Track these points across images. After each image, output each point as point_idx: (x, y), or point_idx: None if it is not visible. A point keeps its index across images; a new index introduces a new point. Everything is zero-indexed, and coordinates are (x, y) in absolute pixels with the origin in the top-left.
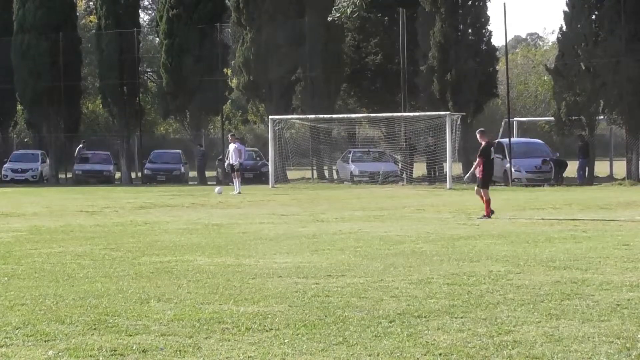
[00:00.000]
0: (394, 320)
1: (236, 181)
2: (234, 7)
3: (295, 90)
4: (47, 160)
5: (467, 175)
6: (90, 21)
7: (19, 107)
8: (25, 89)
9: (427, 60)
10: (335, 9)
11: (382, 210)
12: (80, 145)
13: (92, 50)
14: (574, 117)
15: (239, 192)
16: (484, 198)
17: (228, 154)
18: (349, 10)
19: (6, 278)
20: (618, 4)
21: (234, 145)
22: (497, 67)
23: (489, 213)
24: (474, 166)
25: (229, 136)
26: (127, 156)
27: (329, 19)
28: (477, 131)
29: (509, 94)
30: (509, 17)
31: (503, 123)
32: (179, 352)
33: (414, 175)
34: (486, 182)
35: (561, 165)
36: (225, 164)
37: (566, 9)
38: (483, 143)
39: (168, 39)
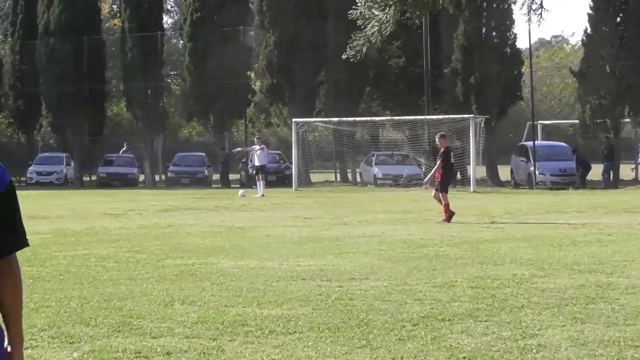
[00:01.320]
0: (417, 323)
1: (260, 184)
2: (258, 10)
3: (319, 93)
4: (72, 163)
5: (426, 179)
6: (114, 24)
7: (43, 110)
8: (50, 92)
9: (450, 63)
10: (350, 47)
11: (405, 213)
12: (124, 149)
13: (116, 54)
14: (598, 120)
15: (262, 195)
16: (443, 202)
17: (252, 156)
18: (364, 49)
19: (31, 280)
20: None
21: (259, 147)
22: (522, 70)
23: (448, 217)
24: (433, 170)
25: (255, 139)
26: (151, 159)
27: (343, 57)
28: (437, 135)
29: (533, 97)
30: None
31: (527, 126)
32: (202, 355)
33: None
34: (445, 185)
35: (585, 167)
36: (249, 166)
37: (590, 11)
38: (442, 148)
39: (192, 42)
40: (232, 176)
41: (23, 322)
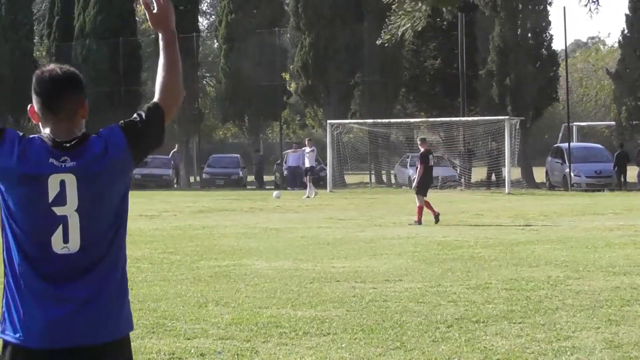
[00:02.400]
0: (451, 325)
1: (310, 185)
2: (293, 12)
3: (354, 94)
4: None
5: (415, 184)
6: (150, 26)
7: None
8: (86, 93)
9: (486, 65)
10: (384, 31)
11: (440, 215)
12: (174, 150)
13: (152, 55)
14: (634, 122)
15: (316, 194)
16: (418, 204)
17: (287, 157)
18: (399, 33)
19: None
20: None
21: (310, 149)
22: (558, 72)
23: (420, 219)
24: (417, 175)
25: (306, 140)
26: (186, 160)
27: (378, 42)
28: (418, 139)
29: (569, 99)
30: (570, 21)
31: (562, 128)
32: (236, 356)
33: (472, 180)
34: (423, 188)
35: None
36: (284, 167)
37: (628, 12)
38: (422, 150)
39: (227, 44)
40: (266, 177)
41: None
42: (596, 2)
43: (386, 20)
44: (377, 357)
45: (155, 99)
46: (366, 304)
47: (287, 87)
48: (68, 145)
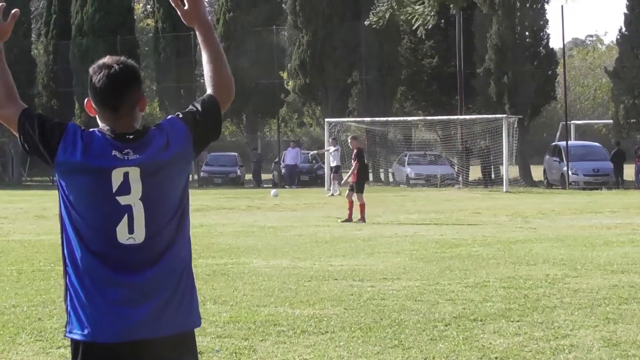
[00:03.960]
0: (449, 323)
1: (334, 183)
2: (291, 10)
3: (352, 93)
4: None
5: (344, 181)
6: (148, 24)
7: (77, 109)
8: (84, 92)
9: (483, 63)
10: (373, 13)
11: (438, 213)
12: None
13: (150, 54)
14: (632, 120)
15: (340, 193)
16: (359, 202)
17: (285, 156)
18: (387, 15)
19: (62, 282)
20: None
21: (334, 148)
22: (557, 70)
23: (364, 217)
24: (350, 172)
25: (330, 139)
26: None
27: (366, 23)
28: (349, 138)
29: (567, 97)
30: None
31: (560, 126)
32: (234, 354)
33: (470, 179)
34: (360, 186)
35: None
36: (281, 166)
37: (626, 11)
38: (355, 149)
39: (225, 42)
40: (264, 176)
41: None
42: None
43: (374, 1)
44: (375, 356)
45: (209, 91)
46: (364, 302)
47: (285, 86)
48: (130, 137)
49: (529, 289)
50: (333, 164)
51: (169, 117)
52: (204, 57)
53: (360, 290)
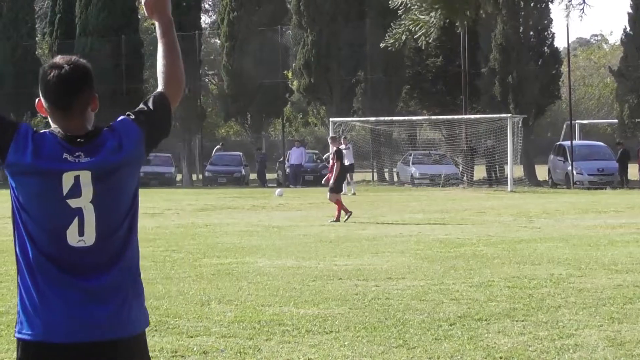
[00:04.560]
0: (454, 323)
1: (350, 182)
2: (295, 10)
3: (356, 92)
4: None
5: (333, 180)
6: (152, 24)
7: None
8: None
9: (488, 63)
10: (389, 35)
11: (442, 212)
12: (218, 146)
13: (154, 53)
14: (637, 119)
15: (346, 194)
16: (333, 201)
17: (289, 155)
18: (403, 37)
19: None
20: None
21: (345, 147)
22: (561, 70)
23: (339, 217)
24: (335, 172)
25: (342, 139)
26: (188, 158)
27: (382, 45)
28: (329, 138)
29: (571, 97)
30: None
31: (565, 125)
32: (239, 354)
33: (475, 178)
34: (339, 186)
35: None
36: (286, 165)
37: (630, 10)
38: (334, 148)
39: (229, 42)
40: (269, 175)
41: None
42: (582, 8)
43: (391, 24)
44: (380, 355)
45: (160, 88)
46: (369, 301)
47: (290, 85)
48: (81, 140)
49: (533, 288)
50: (347, 163)
51: (121, 117)
52: (160, 52)
53: (365, 290)
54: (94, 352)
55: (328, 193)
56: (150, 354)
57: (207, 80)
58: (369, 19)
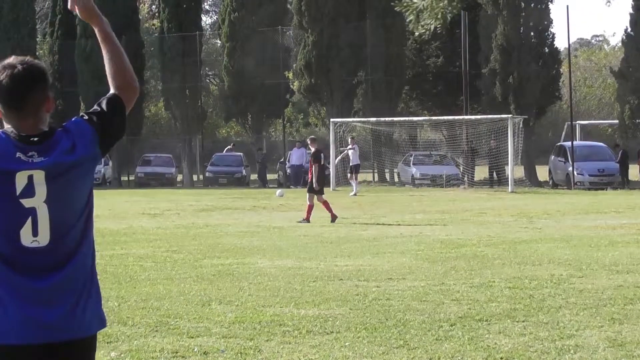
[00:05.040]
0: (455, 323)
1: (354, 182)
2: (296, 10)
3: (357, 93)
4: (110, 163)
5: (315, 182)
6: (153, 25)
7: (82, 109)
8: (89, 92)
9: (489, 63)
10: (421, 26)
11: (443, 213)
12: (229, 147)
13: (155, 54)
14: (638, 120)
15: (355, 194)
16: (309, 202)
17: (290, 156)
18: (432, 27)
19: None
20: None
21: (351, 146)
22: (561, 70)
23: (309, 218)
24: (314, 172)
25: (349, 139)
26: (189, 159)
27: (416, 34)
28: (308, 138)
29: (572, 97)
30: (573, 19)
31: (566, 126)
32: (240, 355)
33: (476, 179)
34: (321, 187)
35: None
36: (287, 166)
37: (632, 11)
38: (313, 149)
39: (230, 42)
40: (270, 176)
41: None
42: None
43: (418, 15)
44: (380, 356)
45: (112, 90)
46: (369, 302)
47: (290, 86)
48: (35, 139)
49: (534, 289)
50: (352, 163)
51: (75, 118)
52: (105, 56)
53: (366, 291)
54: (48, 353)
55: (307, 194)
56: (151, 355)
57: (207, 80)
58: (370, 19)
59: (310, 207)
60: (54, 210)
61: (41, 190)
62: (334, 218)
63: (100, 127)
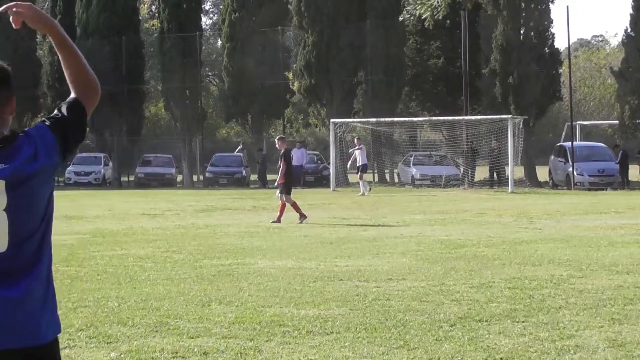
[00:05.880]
0: (455, 324)
1: (361, 182)
2: (296, 11)
3: (357, 93)
4: (110, 163)
5: (280, 179)
6: (153, 25)
7: None
8: None
9: (489, 64)
10: (406, 10)
11: (443, 214)
12: (240, 147)
13: (155, 54)
14: (638, 121)
15: (363, 194)
16: (281, 202)
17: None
18: (441, 14)
19: (69, 280)
20: None
21: (358, 147)
22: (560, 71)
23: (280, 219)
24: (281, 172)
25: (355, 139)
26: (189, 159)
27: (400, 19)
28: (277, 138)
29: (572, 97)
30: (573, 20)
31: (566, 126)
32: (239, 355)
33: (476, 179)
34: (289, 188)
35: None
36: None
37: (632, 11)
38: (282, 149)
39: (230, 42)
40: (270, 176)
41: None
42: None
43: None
44: (380, 356)
45: (72, 94)
46: (369, 302)
47: (290, 86)
48: None
49: (534, 289)
50: (360, 163)
51: (37, 124)
52: (63, 61)
53: (366, 291)
54: None
55: (277, 193)
56: (151, 355)
57: (208, 81)
58: (370, 20)
59: (283, 207)
60: (13, 218)
61: (1, 199)
62: (278, 220)
63: (62, 134)
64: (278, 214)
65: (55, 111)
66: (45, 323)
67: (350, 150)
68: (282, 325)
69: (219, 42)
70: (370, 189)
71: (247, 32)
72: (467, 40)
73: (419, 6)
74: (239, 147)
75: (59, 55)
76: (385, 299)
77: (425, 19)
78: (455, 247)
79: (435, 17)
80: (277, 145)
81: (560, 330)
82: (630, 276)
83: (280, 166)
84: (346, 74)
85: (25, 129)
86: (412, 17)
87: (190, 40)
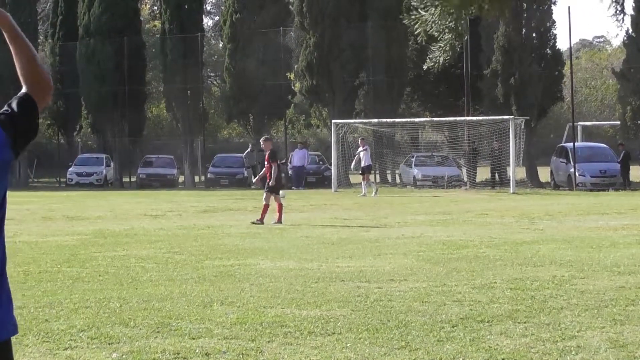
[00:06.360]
0: (456, 325)
1: (364, 183)
2: (298, 11)
3: (359, 94)
4: (112, 164)
5: (256, 179)
6: (154, 26)
7: (83, 111)
8: (90, 93)
9: (490, 64)
10: (429, 59)
11: (445, 214)
12: (250, 148)
13: (156, 55)
14: (639, 121)
15: (365, 195)
16: (265, 202)
17: (292, 157)
18: (441, 60)
19: (71, 281)
20: None
21: (362, 148)
22: (562, 71)
23: (262, 219)
24: (270, 172)
25: (359, 140)
26: (191, 160)
27: (425, 67)
28: (262, 139)
29: (574, 98)
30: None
31: (567, 127)
32: (241, 356)
33: (477, 180)
34: (276, 187)
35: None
36: (289, 167)
37: (633, 12)
38: (268, 150)
39: (232, 43)
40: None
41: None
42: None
43: (430, 47)
44: (382, 357)
45: (24, 89)
46: (371, 303)
47: (292, 87)
48: None
49: (535, 290)
50: (364, 164)
51: None
52: (15, 54)
53: (367, 292)
54: None
55: (265, 193)
56: (152, 356)
57: (209, 81)
58: (371, 20)
59: (266, 207)
60: None
61: None
62: (262, 220)
63: (12, 130)
64: (277, 214)
65: (5, 106)
66: (3, 319)
67: (357, 152)
68: (284, 326)
69: (221, 43)
70: (376, 190)
71: (248, 32)
72: (468, 41)
73: (412, 21)
74: (248, 149)
75: (11, 48)
76: (387, 299)
77: (447, 57)
78: (457, 248)
79: (428, 32)
80: (262, 146)
81: (562, 331)
82: (632, 277)
83: (273, 167)
84: (348, 74)
85: None
86: (436, 65)
87: (191, 41)
